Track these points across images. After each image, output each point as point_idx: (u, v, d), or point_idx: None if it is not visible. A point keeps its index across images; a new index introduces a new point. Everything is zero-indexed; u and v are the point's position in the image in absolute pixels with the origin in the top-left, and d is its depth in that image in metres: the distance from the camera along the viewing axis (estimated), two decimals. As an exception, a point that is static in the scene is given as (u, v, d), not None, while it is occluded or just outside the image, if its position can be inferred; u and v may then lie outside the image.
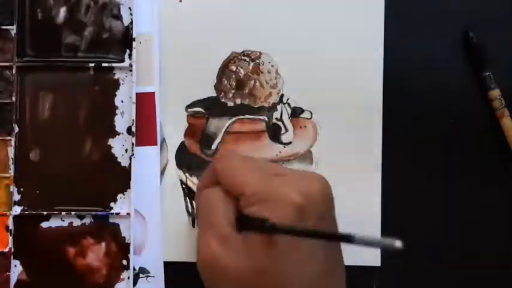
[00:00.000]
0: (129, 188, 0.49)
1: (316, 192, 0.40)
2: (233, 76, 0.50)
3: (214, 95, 0.50)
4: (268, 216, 0.38)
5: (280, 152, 0.50)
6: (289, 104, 0.50)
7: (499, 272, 0.50)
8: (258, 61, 0.50)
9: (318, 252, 0.39)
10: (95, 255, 0.49)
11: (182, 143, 0.50)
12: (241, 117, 0.50)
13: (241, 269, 0.39)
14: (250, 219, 0.39)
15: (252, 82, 0.50)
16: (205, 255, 0.40)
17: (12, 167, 0.49)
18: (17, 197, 0.49)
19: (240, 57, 0.50)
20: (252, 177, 0.41)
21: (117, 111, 0.50)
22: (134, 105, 0.49)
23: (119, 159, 0.49)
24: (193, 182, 0.50)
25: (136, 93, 0.49)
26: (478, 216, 0.50)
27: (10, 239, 0.49)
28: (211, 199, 0.42)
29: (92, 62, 0.49)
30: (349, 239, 0.33)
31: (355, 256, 0.49)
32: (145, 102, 0.49)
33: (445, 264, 0.50)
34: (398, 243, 0.31)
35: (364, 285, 0.50)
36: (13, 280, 0.49)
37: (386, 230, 0.49)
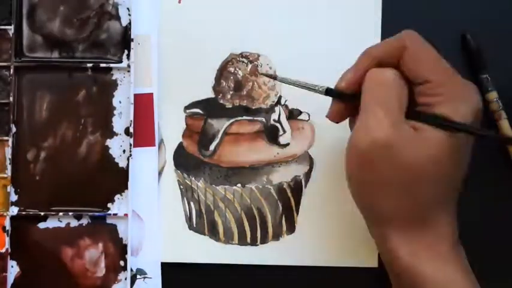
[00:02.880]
0: (127, 188, 0.49)
1: (480, 101, 0.42)
2: (231, 77, 0.50)
3: (213, 96, 0.50)
4: (450, 112, 0.39)
5: (278, 153, 0.50)
6: (287, 106, 0.50)
7: (500, 272, 0.50)
8: (256, 63, 0.50)
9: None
10: (92, 256, 0.49)
11: (180, 144, 0.50)
12: (239, 118, 0.50)
13: (416, 158, 0.39)
14: (428, 113, 0.40)
15: (250, 84, 0.50)
16: (376, 139, 0.40)
17: (9, 167, 0.49)
18: (14, 197, 0.49)
19: (238, 59, 0.50)
20: (443, 68, 0.41)
21: (115, 112, 0.49)
22: (132, 106, 0.49)
23: (117, 160, 0.49)
24: (191, 182, 0.50)
25: (135, 94, 0.49)
26: (477, 217, 0.50)
27: (7, 239, 0.48)
28: (389, 79, 0.41)
29: (89, 63, 0.49)
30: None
31: (352, 257, 0.49)
32: (143, 103, 0.49)
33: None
34: None
35: (362, 286, 0.50)
36: (10, 281, 0.49)
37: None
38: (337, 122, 0.44)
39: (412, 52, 0.41)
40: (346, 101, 0.43)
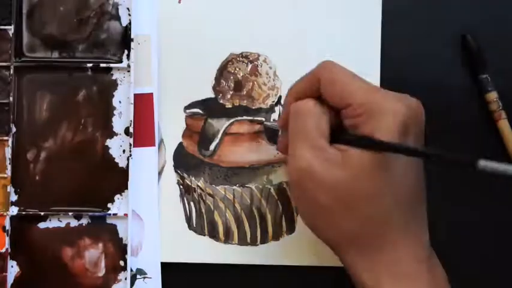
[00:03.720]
0: (127, 188, 0.49)
1: (415, 107, 0.41)
2: (231, 77, 0.50)
3: (213, 96, 0.50)
4: (373, 129, 0.39)
5: (278, 153, 0.50)
6: (287, 106, 0.50)
7: (500, 272, 0.50)
8: (256, 63, 0.50)
9: (414, 169, 0.40)
10: (92, 256, 0.49)
11: (180, 144, 0.50)
12: (239, 118, 0.50)
13: (340, 179, 0.39)
14: (351, 134, 0.40)
15: (250, 84, 0.50)
16: (301, 167, 0.40)
17: (9, 167, 0.49)
18: (14, 197, 0.49)
19: (238, 59, 0.50)
20: (360, 87, 0.41)
21: (115, 112, 0.49)
22: (132, 106, 0.49)
23: (117, 160, 0.49)
24: (191, 182, 0.50)
25: (135, 94, 0.49)
26: (477, 218, 0.50)
27: (7, 239, 0.48)
28: (305, 110, 0.41)
29: (89, 63, 0.49)
30: (472, 165, 0.33)
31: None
32: (143, 103, 0.49)
33: (443, 265, 0.50)
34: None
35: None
36: (10, 281, 0.49)
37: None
38: (287, 154, 0.44)
39: (326, 81, 0.41)
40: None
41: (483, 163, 0.33)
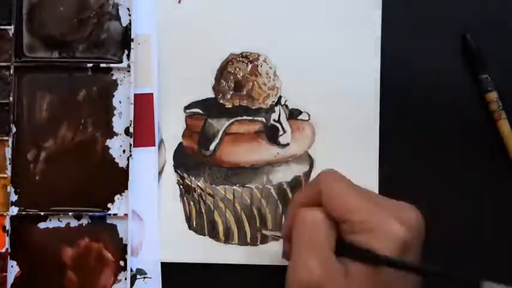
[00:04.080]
0: (127, 188, 0.49)
1: (416, 225, 0.40)
2: (231, 77, 0.50)
3: (213, 96, 0.50)
4: (373, 247, 0.38)
5: (278, 153, 0.50)
6: (287, 106, 0.50)
7: (500, 272, 0.50)
8: (256, 63, 0.50)
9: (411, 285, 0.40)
10: (92, 256, 0.49)
11: (180, 144, 0.50)
12: (239, 118, 0.50)
13: None
14: (354, 247, 0.39)
15: (250, 84, 0.50)
16: (309, 280, 0.39)
17: (9, 167, 0.49)
18: (14, 197, 0.49)
19: (238, 59, 0.50)
20: (359, 204, 0.40)
21: (115, 112, 0.49)
22: (132, 106, 0.49)
23: (117, 160, 0.49)
24: (190, 182, 0.50)
25: (135, 94, 0.49)
26: (477, 217, 0.50)
27: (7, 239, 0.48)
28: (315, 220, 0.41)
29: (89, 63, 0.49)
30: (476, 286, 0.33)
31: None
32: (143, 103, 0.49)
33: (444, 265, 0.50)
34: None
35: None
36: (10, 281, 0.49)
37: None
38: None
39: (326, 195, 0.41)
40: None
41: (487, 285, 0.33)
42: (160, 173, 0.50)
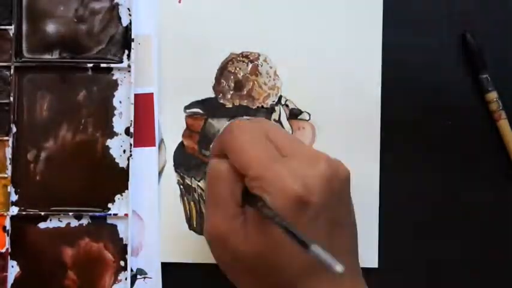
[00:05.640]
0: (127, 189, 0.49)
1: (319, 180, 0.39)
2: (232, 77, 0.50)
3: (213, 96, 0.50)
4: (268, 203, 0.38)
5: (278, 153, 0.50)
6: (287, 106, 0.50)
7: (501, 272, 0.50)
8: (256, 62, 0.50)
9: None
10: (92, 256, 0.49)
11: (180, 144, 0.50)
12: (240, 118, 0.50)
13: (246, 250, 0.39)
14: (253, 197, 0.39)
15: (251, 83, 0.50)
16: (214, 235, 0.41)
17: (9, 167, 0.49)
18: (14, 197, 0.49)
19: (238, 59, 0.50)
20: (257, 159, 0.39)
21: (116, 112, 0.49)
22: (132, 106, 0.49)
23: (117, 160, 0.49)
24: (191, 182, 0.50)
25: (135, 94, 0.49)
26: (477, 217, 0.50)
27: (7, 239, 0.48)
28: (219, 173, 0.41)
29: (90, 63, 0.49)
30: (305, 246, 0.33)
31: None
32: (143, 103, 0.49)
33: (444, 266, 0.50)
34: (339, 268, 0.31)
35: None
36: (10, 281, 0.49)
37: (384, 230, 0.49)
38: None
39: (228, 147, 0.41)
40: None
41: (314, 249, 0.32)
42: (160, 173, 0.50)
